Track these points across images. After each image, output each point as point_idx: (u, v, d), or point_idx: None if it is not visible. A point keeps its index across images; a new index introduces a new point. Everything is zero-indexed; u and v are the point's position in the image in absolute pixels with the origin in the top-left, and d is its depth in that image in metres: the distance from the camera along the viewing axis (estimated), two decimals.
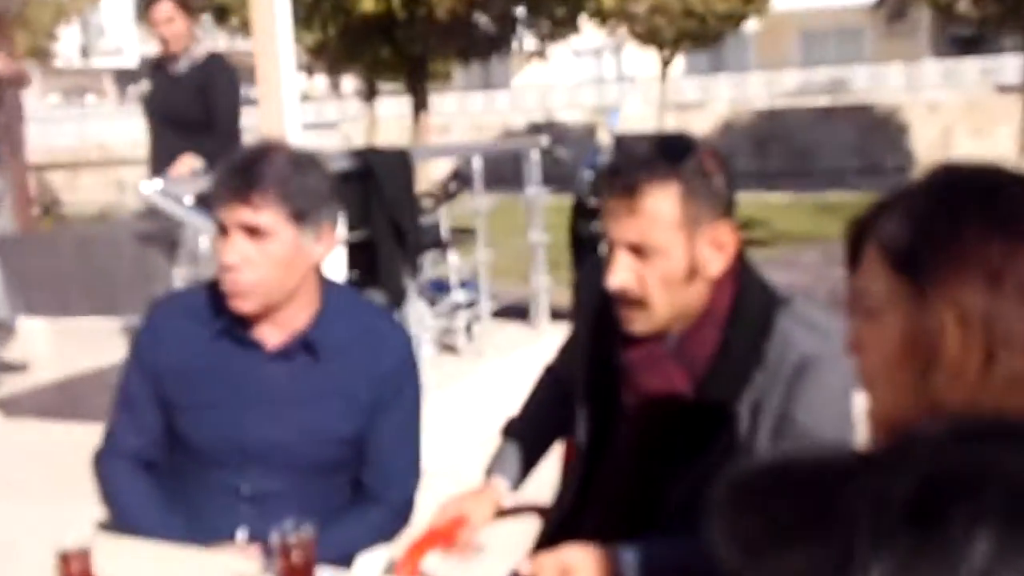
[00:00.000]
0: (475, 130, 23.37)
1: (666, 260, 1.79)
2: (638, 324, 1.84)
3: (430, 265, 5.64)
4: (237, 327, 2.12)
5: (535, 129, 22.21)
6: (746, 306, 1.84)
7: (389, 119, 24.74)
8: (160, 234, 5.07)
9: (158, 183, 3.84)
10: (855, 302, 1.10)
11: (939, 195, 1.06)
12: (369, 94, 22.76)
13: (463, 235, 6.80)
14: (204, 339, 2.13)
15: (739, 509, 0.75)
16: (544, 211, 6.12)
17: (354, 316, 2.18)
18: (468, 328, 5.65)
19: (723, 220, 1.81)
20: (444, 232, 5.94)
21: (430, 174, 14.18)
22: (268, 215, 2.01)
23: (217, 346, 2.13)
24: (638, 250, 1.79)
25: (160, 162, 5.16)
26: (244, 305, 2.07)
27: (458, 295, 5.83)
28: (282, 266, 2.05)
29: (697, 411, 1.84)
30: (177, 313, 2.18)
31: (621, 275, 1.80)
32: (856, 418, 1.77)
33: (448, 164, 18.96)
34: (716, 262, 1.82)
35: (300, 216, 2.03)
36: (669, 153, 1.79)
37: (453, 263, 5.82)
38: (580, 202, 7.32)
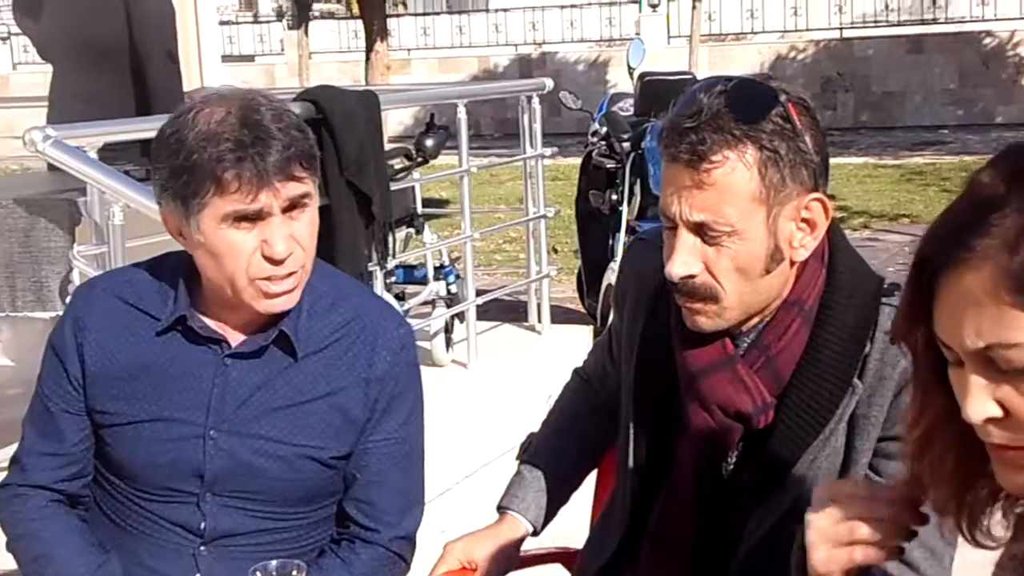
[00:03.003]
0: (442, 68, 23.33)
1: (742, 243, 1.91)
2: (705, 320, 1.97)
3: (399, 247, 5.71)
4: (191, 317, 2.20)
5: (524, 66, 22.24)
6: (841, 296, 1.97)
7: (325, 53, 24.61)
8: (50, 201, 5.09)
9: (50, 131, 3.81)
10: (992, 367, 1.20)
11: None
12: (299, 15, 22.64)
13: (434, 207, 6.86)
14: (147, 334, 2.22)
15: None
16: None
17: (340, 300, 2.26)
18: (448, 330, 5.76)
19: (814, 191, 1.93)
20: (418, 203, 6.01)
21: (387, 128, 14.21)
22: (310, 179, 2.11)
23: (164, 342, 2.22)
24: (706, 231, 1.91)
25: (67, 108, 5.19)
26: (290, 302, 2.15)
27: (436, 287, 5.91)
28: (314, 236, 2.15)
29: (780, 427, 1.97)
30: (109, 302, 2.26)
31: (685, 262, 1.92)
32: None
33: (408, 116, 18.90)
34: (805, 244, 1.95)
35: (316, 167, 2.13)
36: (745, 105, 1.89)
37: (430, 244, 5.89)
38: (592, 165, 7.41)
